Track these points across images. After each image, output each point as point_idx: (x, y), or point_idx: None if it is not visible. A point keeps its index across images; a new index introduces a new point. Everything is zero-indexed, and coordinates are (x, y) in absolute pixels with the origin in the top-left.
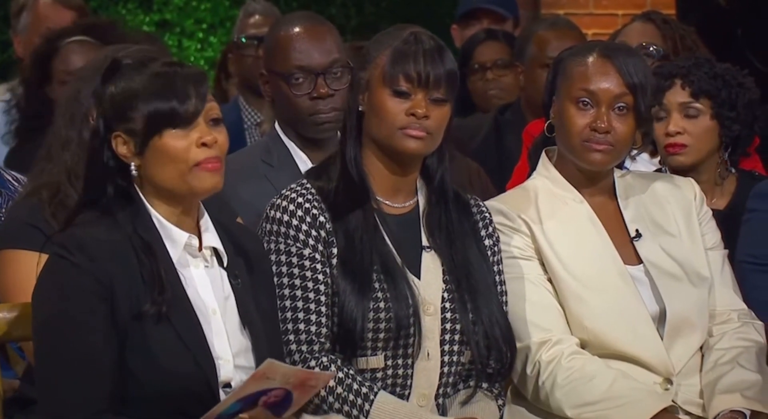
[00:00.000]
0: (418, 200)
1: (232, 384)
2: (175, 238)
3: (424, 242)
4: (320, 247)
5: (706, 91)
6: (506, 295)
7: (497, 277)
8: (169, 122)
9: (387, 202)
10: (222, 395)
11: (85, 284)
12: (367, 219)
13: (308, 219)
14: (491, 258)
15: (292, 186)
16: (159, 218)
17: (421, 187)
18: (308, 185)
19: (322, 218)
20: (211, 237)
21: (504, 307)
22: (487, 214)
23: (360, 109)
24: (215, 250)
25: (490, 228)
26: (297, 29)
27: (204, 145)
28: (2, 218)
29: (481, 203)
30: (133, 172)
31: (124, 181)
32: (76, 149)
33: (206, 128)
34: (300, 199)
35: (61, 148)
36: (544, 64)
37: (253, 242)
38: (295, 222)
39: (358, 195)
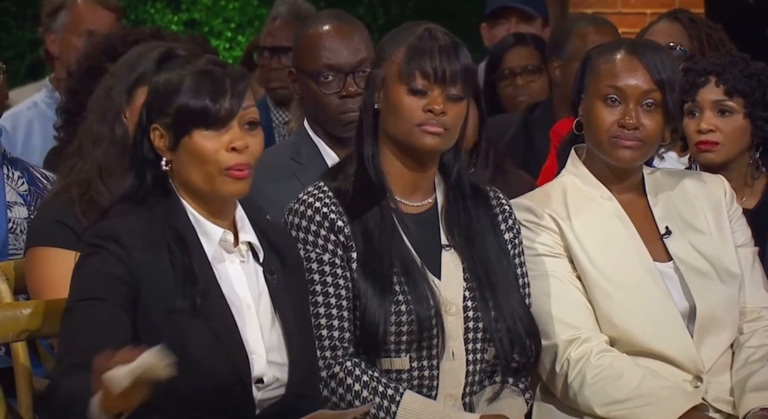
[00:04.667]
0: (436, 197)
1: (265, 379)
2: (210, 234)
3: (444, 241)
4: (339, 252)
5: (741, 90)
6: (528, 287)
7: (518, 270)
8: (200, 121)
9: (405, 201)
10: (254, 391)
11: (115, 270)
12: (385, 220)
13: (326, 224)
14: (512, 252)
15: (309, 189)
16: (194, 213)
17: (439, 183)
18: (325, 188)
19: (340, 222)
20: (248, 233)
21: (526, 300)
22: (506, 206)
23: (376, 106)
24: (251, 246)
25: (510, 221)
26: (326, 28)
27: (234, 149)
28: (32, 216)
29: (500, 195)
30: (164, 167)
31: (161, 174)
32: (107, 146)
33: (239, 132)
34: (317, 203)
35: (92, 144)
36: None
37: (285, 238)
38: (313, 227)
39: (375, 195)
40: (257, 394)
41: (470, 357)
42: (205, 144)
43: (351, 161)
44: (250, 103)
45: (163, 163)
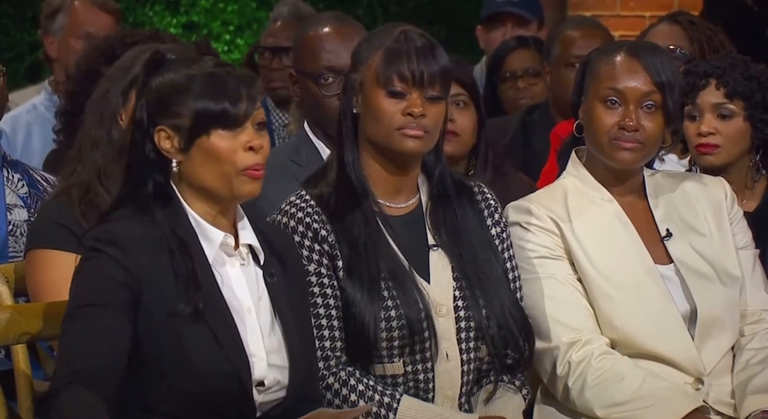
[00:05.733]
0: (420, 198)
1: (266, 382)
2: (211, 237)
3: (430, 241)
4: (325, 261)
5: (741, 93)
6: (518, 281)
7: (507, 264)
8: (219, 123)
9: (388, 204)
10: (255, 394)
11: (116, 274)
12: (369, 224)
13: (310, 234)
14: (500, 246)
15: (291, 199)
16: (195, 217)
17: (423, 183)
18: (306, 196)
19: (323, 231)
20: (248, 235)
21: (517, 294)
22: (492, 201)
23: (355, 111)
24: (251, 249)
25: (497, 216)
26: (326, 29)
27: (251, 149)
28: (32, 218)
29: (486, 190)
30: (174, 169)
31: (162, 177)
32: (105, 148)
33: (254, 132)
34: (300, 214)
35: (90, 147)
36: (569, 63)
37: (286, 240)
38: (297, 238)
39: (358, 199)
40: (258, 397)
41: (464, 357)
42: (223, 144)
43: (332, 167)
44: (259, 104)
45: (174, 164)
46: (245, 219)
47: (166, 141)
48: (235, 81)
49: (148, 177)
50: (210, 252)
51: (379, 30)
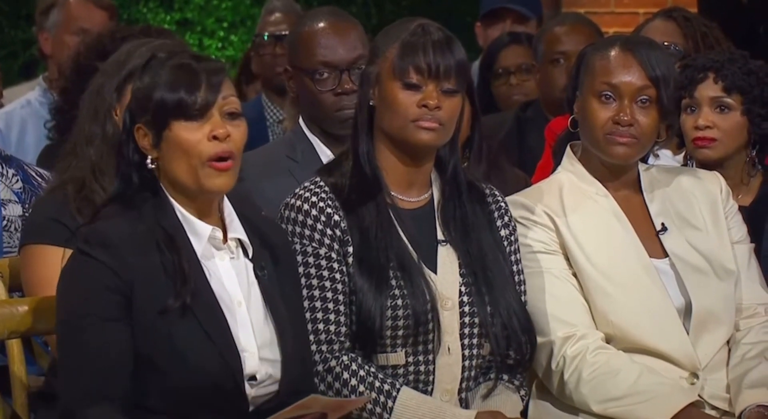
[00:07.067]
0: (432, 193)
1: (258, 376)
2: (199, 231)
3: (440, 236)
4: (336, 246)
5: (739, 87)
6: (524, 284)
7: (514, 267)
8: (178, 113)
9: (401, 197)
10: (247, 388)
11: (106, 280)
12: (381, 215)
13: (323, 218)
14: (508, 248)
15: (306, 184)
16: (182, 212)
17: (436, 179)
18: (321, 183)
19: (336, 217)
20: (236, 229)
21: (522, 297)
22: (502, 203)
23: (371, 103)
24: (241, 242)
25: (506, 218)
26: (322, 25)
27: (215, 138)
28: (27, 213)
29: (496, 192)
30: (150, 165)
31: (148, 174)
32: (100, 144)
33: (220, 121)
34: (314, 198)
35: (85, 143)
36: (553, 60)
37: (278, 234)
38: (309, 221)
39: (371, 190)
40: (250, 391)
41: (466, 352)
42: (186, 135)
43: (347, 158)
44: (228, 93)
45: (149, 161)
46: (233, 212)
47: (144, 138)
48: (196, 71)
49: (133, 175)
50: (198, 246)
51: (397, 24)
